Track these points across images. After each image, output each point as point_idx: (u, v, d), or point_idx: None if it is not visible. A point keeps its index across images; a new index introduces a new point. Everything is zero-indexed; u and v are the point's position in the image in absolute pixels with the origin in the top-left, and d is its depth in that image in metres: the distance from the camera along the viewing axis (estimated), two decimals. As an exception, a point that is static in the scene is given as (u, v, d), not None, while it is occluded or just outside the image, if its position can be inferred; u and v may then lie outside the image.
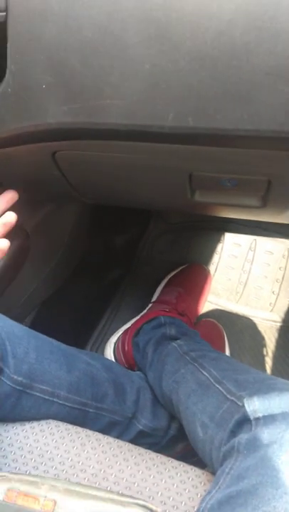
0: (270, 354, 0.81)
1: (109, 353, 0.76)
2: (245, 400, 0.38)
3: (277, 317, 0.87)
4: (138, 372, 0.65)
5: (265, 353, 0.81)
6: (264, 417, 0.35)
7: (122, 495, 0.35)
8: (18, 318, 0.63)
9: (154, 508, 0.34)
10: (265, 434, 0.33)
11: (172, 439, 0.60)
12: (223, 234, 0.93)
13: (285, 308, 0.87)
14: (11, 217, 0.42)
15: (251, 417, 0.36)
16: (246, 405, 0.37)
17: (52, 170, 0.46)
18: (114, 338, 0.78)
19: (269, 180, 0.41)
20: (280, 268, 0.88)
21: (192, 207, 0.56)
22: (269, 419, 0.34)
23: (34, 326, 0.71)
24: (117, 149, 0.41)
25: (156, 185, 0.50)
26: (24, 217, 0.66)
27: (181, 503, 0.40)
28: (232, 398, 0.42)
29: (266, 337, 0.84)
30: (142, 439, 0.57)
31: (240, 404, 0.39)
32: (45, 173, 0.48)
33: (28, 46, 0.36)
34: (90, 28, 0.33)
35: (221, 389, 0.45)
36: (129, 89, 0.34)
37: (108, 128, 0.36)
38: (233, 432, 0.38)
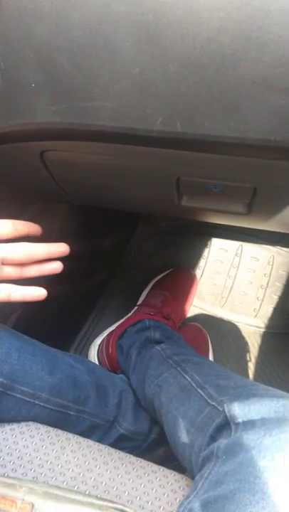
0: (253, 359, 0.82)
1: (93, 354, 0.76)
2: (225, 405, 0.38)
3: (261, 323, 0.88)
4: (121, 375, 0.65)
5: (248, 358, 0.82)
6: (243, 422, 0.35)
7: (101, 499, 0.35)
8: (0, 319, 0.63)
9: (131, 511, 0.34)
10: (244, 439, 0.33)
11: (153, 443, 0.60)
12: (210, 239, 0.93)
13: (268, 315, 0.88)
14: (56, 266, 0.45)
15: (231, 423, 0.36)
16: (226, 410, 0.37)
17: (40, 169, 0.46)
18: (98, 340, 0.77)
19: (254, 187, 0.41)
20: (264, 274, 0.89)
21: (179, 211, 0.57)
22: (248, 424, 0.35)
23: (17, 326, 0.70)
24: (105, 151, 0.41)
25: (144, 188, 0.50)
26: (11, 217, 0.65)
27: (160, 507, 0.40)
28: (213, 403, 0.42)
29: (249, 342, 0.85)
30: (123, 443, 0.57)
31: (221, 409, 0.39)
32: (33, 172, 0.48)
33: (18, 44, 0.36)
34: (80, 29, 0.33)
35: (202, 394, 0.45)
36: (118, 92, 0.34)
37: (96, 129, 0.36)
38: (213, 437, 0.38)
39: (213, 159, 0.37)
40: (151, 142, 0.36)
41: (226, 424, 0.37)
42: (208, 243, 0.93)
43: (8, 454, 0.43)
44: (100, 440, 0.54)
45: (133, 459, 0.45)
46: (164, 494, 0.41)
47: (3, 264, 0.42)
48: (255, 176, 0.39)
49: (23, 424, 0.46)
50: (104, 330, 0.79)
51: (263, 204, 0.45)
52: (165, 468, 0.44)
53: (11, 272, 0.43)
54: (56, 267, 0.44)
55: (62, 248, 0.44)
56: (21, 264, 0.43)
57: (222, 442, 0.35)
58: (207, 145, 0.35)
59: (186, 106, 0.33)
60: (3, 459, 0.42)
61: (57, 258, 0.45)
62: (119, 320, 0.78)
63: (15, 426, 0.46)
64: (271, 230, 0.56)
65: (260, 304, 0.88)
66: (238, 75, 0.31)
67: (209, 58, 0.31)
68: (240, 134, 0.33)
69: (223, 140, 0.33)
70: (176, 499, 0.40)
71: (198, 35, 0.31)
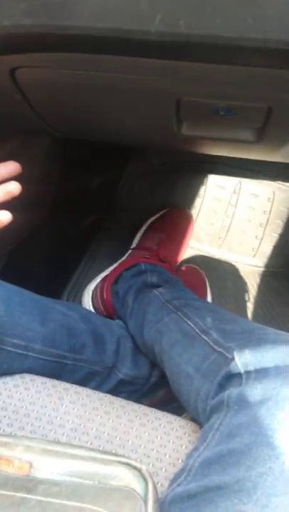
0: (252, 299, 0.80)
1: (87, 301, 0.73)
2: (235, 352, 0.35)
3: (260, 262, 0.85)
4: (118, 320, 0.63)
5: (246, 298, 0.80)
6: (256, 370, 0.33)
7: (104, 452, 0.33)
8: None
9: (137, 465, 0.32)
10: (258, 389, 0.31)
11: (154, 386, 0.59)
12: (207, 176, 0.87)
13: (268, 254, 0.85)
14: (14, 187, 0.35)
15: (242, 370, 0.34)
16: (236, 357, 0.35)
17: (12, 92, 0.39)
18: (92, 286, 0.74)
19: (269, 107, 0.35)
20: (264, 212, 0.85)
21: (178, 142, 0.50)
22: (261, 373, 0.32)
23: (4, 275, 0.66)
24: (89, 66, 0.34)
25: (137, 114, 0.43)
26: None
27: (165, 455, 0.39)
28: (220, 350, 0.39)
29: (248, 282, 0.83)
30: (123, 388, 0.56)
31: (230, 356, 0.36)
32: (4, 97, 0.41)
33: None
34: None
35: (207, 339, 0.42)
36: (104, -20, 0.26)
37: (77, 33, 0.29)
38: (222, 386, 0.35)
39: (222, 71, 0.31)
40: (147, 50, 0.29)
41: (236, 372, 0.35)
42: (205, 181, 0.87)
43: (2, 408, 0.41)
44: (98, 386, 0.53)
45: (135, 406, 0.43)
46: (169, 441, 0.40)
47: None
48: (271, 93, 0.33)
49: (16, 376, 0.44)
50: (97, 275, 0.76)
51: (276, 129, 0.39)
52: (169, 414, 0.43)
53: None
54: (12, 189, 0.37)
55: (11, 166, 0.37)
56: None
57: (233, 392, 0.33)
58: (218, 51, 0.28)
59: (192, -3, 0.26)
60: (-2, 414, 0.40)
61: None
62: (112, 264, 0.75)
63: (8, 379, 0.43)
64: (280, 161, 0.50)
65: (259, 243, 0.85)
66: None
67: None
68: (261, 34, 0.26)
69: (239, 43, 0.27)
70: (181, 445, 0.39)
71: None
